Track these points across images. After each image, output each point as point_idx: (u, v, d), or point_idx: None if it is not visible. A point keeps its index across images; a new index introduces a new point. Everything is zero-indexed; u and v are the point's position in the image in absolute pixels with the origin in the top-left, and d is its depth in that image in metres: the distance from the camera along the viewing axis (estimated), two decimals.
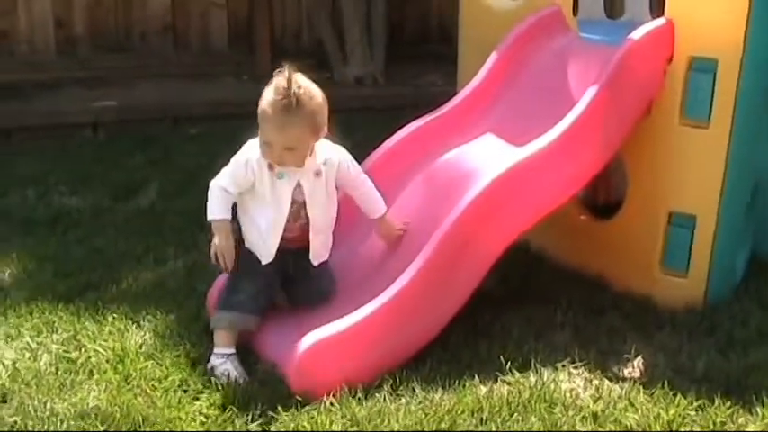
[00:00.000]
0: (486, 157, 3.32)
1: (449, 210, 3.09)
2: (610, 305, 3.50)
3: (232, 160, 3.11)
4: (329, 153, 3.18)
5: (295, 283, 3.21)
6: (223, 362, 2.99)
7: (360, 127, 5.67)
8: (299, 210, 3.11)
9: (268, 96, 2.98)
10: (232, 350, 3.03)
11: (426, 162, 3.45)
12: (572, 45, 3.74)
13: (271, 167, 3.06)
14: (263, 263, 3.12)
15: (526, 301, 3.49)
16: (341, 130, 5.63)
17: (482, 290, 3.20)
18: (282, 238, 3.11)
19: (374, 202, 3.28)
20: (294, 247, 3.15)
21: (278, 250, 3.12)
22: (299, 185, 3.09)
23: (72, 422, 2.76)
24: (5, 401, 2.91)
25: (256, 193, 3.09)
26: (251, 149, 3.09)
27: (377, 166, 3.46)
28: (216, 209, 3.08)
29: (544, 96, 3.59)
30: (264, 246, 3.11)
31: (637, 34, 3.39)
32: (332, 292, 3.23)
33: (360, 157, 3.63)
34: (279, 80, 2.97)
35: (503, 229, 3.15)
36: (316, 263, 3.20)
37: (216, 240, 3.07)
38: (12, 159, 5.45)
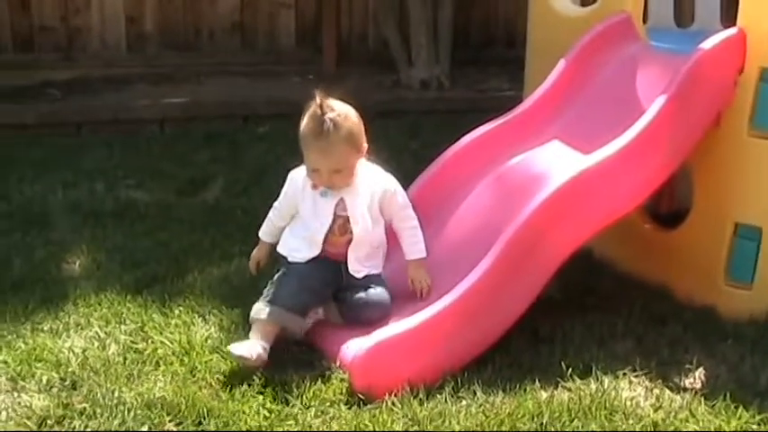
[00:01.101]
0: (555, 163, 3.33)
1: (517, 212, 3.11)
2: (672, 315, 3.48)
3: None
4: (377, 178, 3.26)
5: (345, 295, 3.22)
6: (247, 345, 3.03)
7: (424, 130, 5.73)
8: (344, 224, 3.20)
9: (306, 125, 3.12)
10: (264, 344, 3.04)
11: (494, 166, 3.47)
12: (641, 53, 3.73)
13: (315, 186, 3.20)
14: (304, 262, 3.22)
15: (588, 308, 3.48)
16: (405, 132, 5.74)
17: (544, 296, 3.20)
18: (329, 252, 3.21)
19: (415, 243, 3.30)
20: (344, 260, 3.23)
21: (327, 261, 3.20)
22: (341, 201, 3.19)
23: (139, 411, 2.82)
24: (75, 388, 2.98)
25: (298, 215, 3.27)
26: (296, 172, 3.26)
27: (446, 168, 3.49)
28: (262, 228, 3.41)
29: (612, 104, 3.58)
30: (304, 251, 3.22)
31: (708, 44, 3.37)
32: (379, 305, 3.20)
33: (423, 159, 3.66)
34: (312, 108, 3.11)
35: (570, 233, 3.15)
36: (357, 275, 3.23)
37: (254, 251, 3.42)
38: (81, 152, 5.56)
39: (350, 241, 3.21)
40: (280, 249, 3.31)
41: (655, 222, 3.83)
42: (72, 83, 6.68)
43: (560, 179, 3.14)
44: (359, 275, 3.22)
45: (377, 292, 3.21)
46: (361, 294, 3.20)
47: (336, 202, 3.19)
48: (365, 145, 3.20)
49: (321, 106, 3.09)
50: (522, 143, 3.52)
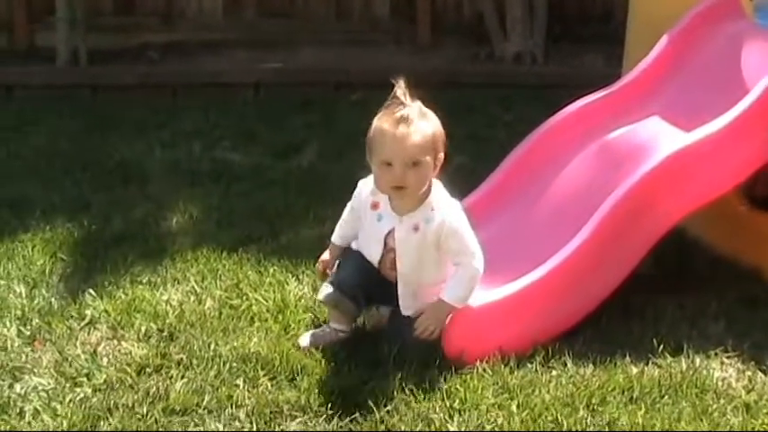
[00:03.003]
0: (657, 137, 3.31)
1: (618, 184, 3.11)
2: (766, 299, 3.43)
3: None
4: (438, 208, 2.97)
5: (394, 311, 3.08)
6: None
7: (517, 103, 5.71)
8: (394, 258, 3.00)
9: (382, 115, 2.93)
10: (335, 326, 3.05)
11: (593, 138, 3.46)
12: (746, 31, 3.67)
13: (374, 206, 3.02)
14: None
15: (680, 287, 3.45)
16: (499, 104, 5.73)
17: (636, 273, 3.19)
18: (386, 275, 3.04)
19: (453, 287, 2.94)
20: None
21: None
22: (392, 232, 2.97)
23: (234, 364, 2.90)
24: (172, 339, 3.07)
25: (362, 226, 3.10)
26: (364, 183, 3.10)
27: (546, 137, 3.50)
28: (334, 233, 3.25)
29: (715, 83, 3.54)
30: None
31: None
32: (412, 347, 2.94)
33: (516, 132, 3.66)
34: (393, 96, 2.93)
35: (669, 207, 3.15)
36: (404, 312, 3.01)
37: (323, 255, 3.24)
38: (178, 115, 5.67)
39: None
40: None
41: (750, 204, 3.77)
42: (170, 46, 6.79)
43: (664, 153, 3.13)
44: (405, 313, 3.01)
45: (414, 336, 2.95)
46: (399, 325, 3.01)
47: (388, 231, 2.98)
48: (442, 155, 2.97)
49: (405, 93, 2.91)
50: (623, 117, 3.50)
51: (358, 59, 6.59)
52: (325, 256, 3.23)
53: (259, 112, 5.72)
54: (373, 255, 3.04)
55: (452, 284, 2.94)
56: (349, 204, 3.16)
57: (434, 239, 2.94)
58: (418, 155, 2.88)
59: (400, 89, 2.92)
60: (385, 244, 3.00)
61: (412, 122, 2.88)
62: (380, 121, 2.92)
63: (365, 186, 3.08)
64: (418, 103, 2.92)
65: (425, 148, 2.90)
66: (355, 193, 3.13)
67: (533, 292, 2.97)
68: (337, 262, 3.15)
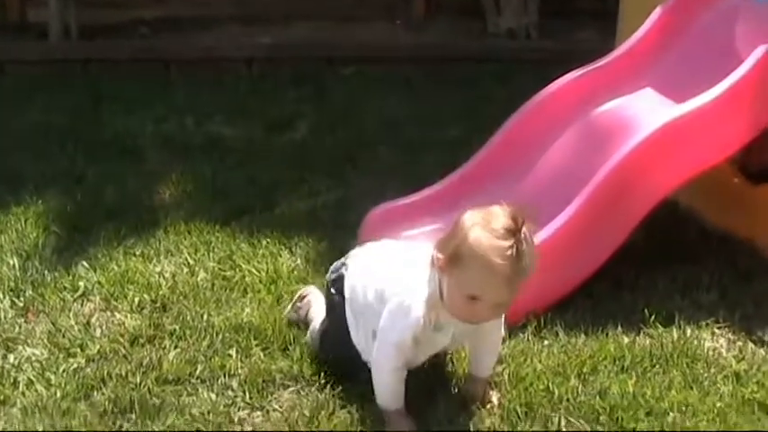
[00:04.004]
0: (649, 109, 3.32)
1: (609, 155, 3.11)
2: (758, 271, 3.44)
3: (390, 342, 2.50)
4: None
5: None
6: None
7: (511, 78, 5.70)
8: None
9: (489, 242, 2.32)
10: None
11: (586, 110, 3.46)
12: (740, 4, 3.66)
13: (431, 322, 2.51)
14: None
15: (672, 259, 3.46)
16: (493, 80, 5.72)
17: (629, 245, 3.20)
18: None
19: (489, 363, 2.70)
20: None
21: None
22: (453, 335, 2.57)
23: (227, 334, 2.92)
24: (165, 310, 3.09)
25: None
26: (410, 308, 2.48)
27: (538, 109, 3.49)
28: (391, 398, 2.54)
29: (708, 55, 3.53)
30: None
31: None
32: None
33: (511, 107, 3.65)
34: (500, 219, 2.35)
35: (660, 179, 3.16)
36: None
37: (392, 427, 2.53)
38: (170, 89, 5.65)
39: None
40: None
41: (744, 177, 3.78)
42: (162, 21, 6.76)
43: (654, 125, 3.13)
44: None
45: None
46: None
47: (450, 338, 2.57)
48: None
49: (517, 221, 2.34)
50: (615, 89, 3.50)
51: (351, 34, 6.57)
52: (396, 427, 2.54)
53: (252, 87, 5.71)
54: (417, 361, 2.61)
55: (490, 361, 2.70)
56: (406, 343, 2.50)
57: None
58: (513, 297, 2.45)
59: (515, 214, 2.35)
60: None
61: (522, 261, 2.34)
62: (489, 247, 2.33)
63: (409, 324, 2.48)
64: (528, 229, 2.37)
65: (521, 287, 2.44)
66: (403, 331, 2.48)
67: None
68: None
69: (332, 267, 2.80)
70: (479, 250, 2.32)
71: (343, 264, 2.75)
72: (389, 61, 6.05)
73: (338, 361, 2.72)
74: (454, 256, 2.37)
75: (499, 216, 2.35)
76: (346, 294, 2.68)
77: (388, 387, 2.53)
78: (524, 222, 2.34)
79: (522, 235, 2.33)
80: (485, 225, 2.34)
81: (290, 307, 3.02)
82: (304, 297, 3.00)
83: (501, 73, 5.77)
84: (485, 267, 2.33)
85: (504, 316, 2.64)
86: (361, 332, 2.65)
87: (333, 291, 2.73)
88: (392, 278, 2.56)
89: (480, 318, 2.47)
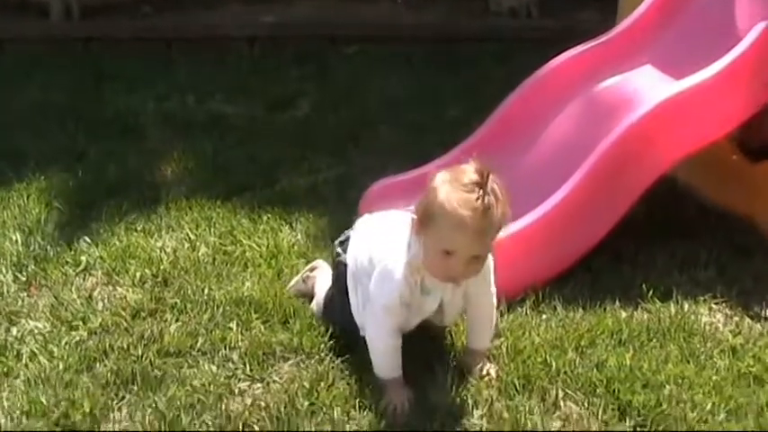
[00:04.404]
0: (648, 86, 3.33)
1: (609, 131, 3.13)
2: (757, 248, 3.45)
3: (378, 306, 2.57)
4: None
5: None
6: None
7: (512, 57, 5.69)
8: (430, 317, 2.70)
9: (456, 195, 2.38)
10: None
11: (586, 86, 3.48)
12: None
13: (417, 283, 2.57)
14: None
15: (671, 235, 3.48)
16: (493, 58, 5.72)
17: (628, 220, 3.22)
18: None
19: (485, 335, 2.73)
20: None
21: None
22: (441, 301, 2.62)
23: (228, 308, 2.94)
24: (166, 284, 3.11)
25: None
26: (394, 273, 2.55)
27: (539, 85, 3.51)
28: (388, 366, 2.60)
29: (708, 32, 3.53)
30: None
31: None
32: None
33: (511, 85, 3.67)
34: (468, 174, 2.40)
35: (659, 155, 3.18)
36: None
37: (390, 397, 2.55)
38: (172, 67, 5.65)
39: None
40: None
41: (744, 155, 3.79)
42: (164, 0, 6.76)
43: (654, 100, 3.15)
44: None
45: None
46: None
47: (438, 304, 2.63)
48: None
49: (484, 175, 2.39)
50: (616, 66, 3.52)
51: (353, 13, 6.56)
52: (392, 396, 2.56)
53: (254, 66, 5.70)
54: (409, 325, 2.64)
55: (485, 330, 2.72)
56: (394, 305, 2.56)
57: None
58: (487, 249, 2.50)
59: (478, 165, 2.41)
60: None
61: (490, 213, 2.39)
62: (456, 202, 2.38)
63: (395, 282, 2.54)
64: (495, 178, 2.42)
65: (493, 239, 2.49)
66: (390, 291, 2.54)
67: (525, 237, 2.99)
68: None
69: (341, 236, 2.86)
70: (448, 205, 2.38)
71: (351, 231, 2.82)
72: (392, 40, 6.04)
73: (339, 327, 2.78)
74: (426, 215, 2.44)
75: (466, 171, 2.40)
76: (349, 263, 2.74)
77: (383, 354, 2.59)
78: (490, 174, 2.39)
79: (490, 187, 2.38)
80: (452, 181, 2.41)
81: (298, 277, 3.06)
82: (314, 269, 3.05)
83: (502, 52, 5.76)
84: (454, 220, 2.38)
85: (494, 288, 2.68)
86: (360, 300, 2.69)
87: (339, 256, 2.78)
88: (380, 244, 2.63)
89: (458, 273, 2.50)
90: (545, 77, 3.56)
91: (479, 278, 2.59)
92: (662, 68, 3.46)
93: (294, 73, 5.53)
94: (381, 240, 2.64)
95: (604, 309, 2.99)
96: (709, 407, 2.56)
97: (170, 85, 5.24)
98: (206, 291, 3.03)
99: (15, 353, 2.77)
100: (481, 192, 2.37)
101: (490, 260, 2.59)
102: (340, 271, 2.78)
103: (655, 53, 3.57)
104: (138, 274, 3.16)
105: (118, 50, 5.96)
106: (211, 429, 2.46)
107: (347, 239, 2.79)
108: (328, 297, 2.86)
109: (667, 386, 2.64)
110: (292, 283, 3.06)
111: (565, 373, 2.67)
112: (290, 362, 2.72)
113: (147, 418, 2.49)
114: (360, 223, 2.83)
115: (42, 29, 6.23)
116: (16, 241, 3.40)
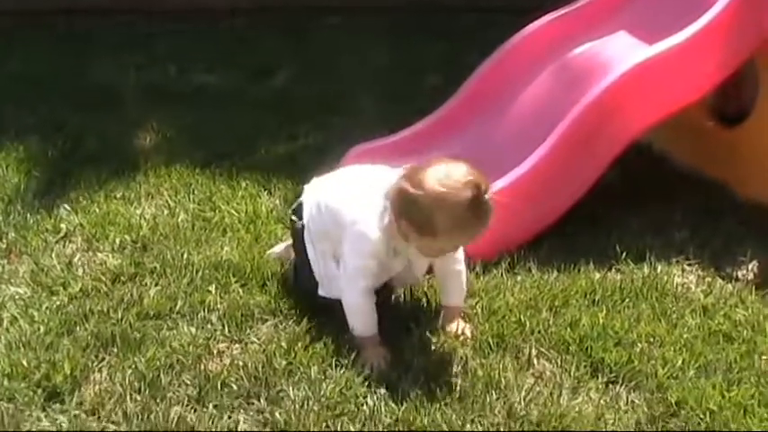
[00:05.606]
0: (621, 51, 3.37)
1: (582, 95, 3.17)
2: (730, 210, 3.51)
3: (353, 267, 2.65)
4: None
5: None
6: None
7: (492, 28, 5.70)
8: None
9: (459, 195, 2.48)
10: None
11: (559, 53, 3.53)
12: None
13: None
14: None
15: (645, 199, 3.53)
16: (472, 29, 5.74)
17: (603, 185, 3.26)
18: None
19: (456, 290, 2.78)
20: None
21: None
22: (408, 261, 2.73)
23: (206, 272, 2.97)
24: (146, 250, 3.14)
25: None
26: (369, 236, 2.62)
27: (511, 53, 3.57)
28: (364, 324, 2.65)
29: None
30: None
31: None
32: None
33: (490, 54, 3.69)
34: (472, 184, 2.50)
35: (632, 119, 3.23)
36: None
37: (366, 355, 2.60)
38: (152, 38, 5.63)
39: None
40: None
41: (719, 121, 3.83)
42: None
43: (626, 65, 3.19)
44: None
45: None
46: None
47: (405, 264, 2.74)
48: None
49: (480, 187, 2.51)
50: (589, 32, 3.56)
51: None
52: (368, 353, 2.61)
53: (234, 37, 5.70)
54: (378, 282, 2.70)
55: (458, 288, 2.79)
56: (370, 261, 2.64)
57: None
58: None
59: (476, 176, 2.52)
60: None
61: (487, 220, 2.57)
62: (462, 204, 2.49)
63: (374, 240, 2.62)
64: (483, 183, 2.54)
65: None
66: (367, 248, 2.62)
67: (500, 200, 3.01)
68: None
69: (293, 204, 2.92)
70: (444, 199, 2.49)
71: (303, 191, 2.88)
72: (372, 11, 6.04)
73: (309, 293, 2.81)
74: (427, 227, 2.53)
75: (464, 181, 2.50)
76: (305, 220, 2.80)
77: (359, 313, 2.65)
78: (479, 173, 2.52)
79: (487, 196, 2.52)
80: (448, 181, 2.51)
81: (282, 246, 3.07)
82: None
83: (481, 22, 5.78)
84: (452, 220, 2.50)
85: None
86: (321, 261, 2.76)
87: (294, 223, 2.83)
88: (348, 201, 2.69)
89: (441, 254, 2.68)
90: (520, 44, 3.59)
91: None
92: (636, 34, 3.49)
93: (274, 44, 5.53)
94: (350, 197, 2.70)
95: (578, 270, 3.04)
96: (679, 363, 2.61)
97: (151, 56, 5.25)
98: (185, 255, 3.06)
99: None
100: (481, 200, 2.51)
101: None
102: (297, 237, 2.83)
103: (628, 19, 3.60)
104: (117, 240, 3.19)
105: (98, 21, 5.95)
106: (191, 389, 2.49)
107: (300, 206, 2.84)
108: (294, 264, 2.89)
109: (639, 344, 2.69)
110: (275, 249, 3.09)
111: (539, 332, 2.72)
112: (267, 323, 2.76)
113: (127, 378, 2.51)
114: (310, 187, 2.89)
115: (22, 1, 6.21)
116: None
